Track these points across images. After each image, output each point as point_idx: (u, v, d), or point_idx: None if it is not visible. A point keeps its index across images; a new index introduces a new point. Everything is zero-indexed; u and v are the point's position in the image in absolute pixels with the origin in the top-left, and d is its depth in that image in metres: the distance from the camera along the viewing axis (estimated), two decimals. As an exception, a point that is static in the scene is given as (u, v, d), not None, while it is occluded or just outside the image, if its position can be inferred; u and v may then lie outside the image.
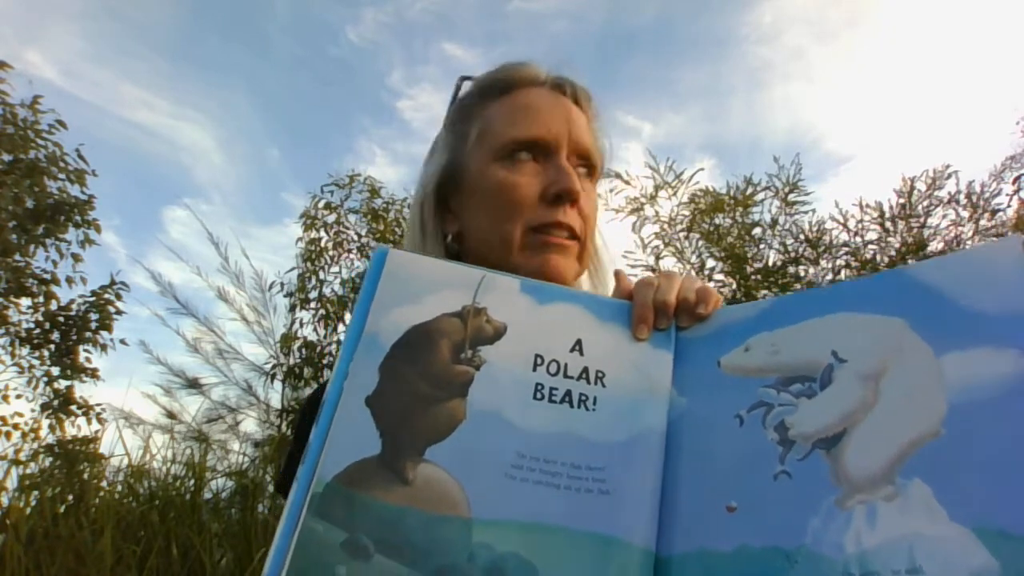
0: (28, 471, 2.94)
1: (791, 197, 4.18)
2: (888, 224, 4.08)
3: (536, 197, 0.65)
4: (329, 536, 0.38)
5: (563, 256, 0.66)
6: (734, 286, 4.25)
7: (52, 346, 5.85)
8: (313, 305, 4.27)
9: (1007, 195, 4.15)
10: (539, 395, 0.45)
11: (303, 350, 4.10)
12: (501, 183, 0.66)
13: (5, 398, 5.72)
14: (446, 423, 0.43)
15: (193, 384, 3.87)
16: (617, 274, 0.58)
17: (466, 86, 0.76)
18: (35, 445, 4.66)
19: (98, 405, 5.70)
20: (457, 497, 0.40)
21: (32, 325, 5.88)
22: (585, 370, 0.46)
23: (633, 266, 4.50)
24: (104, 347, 5.96)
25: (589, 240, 0.70)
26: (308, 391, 3.93)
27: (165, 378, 3.87)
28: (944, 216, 4.07)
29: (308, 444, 0.41)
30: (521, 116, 0.68)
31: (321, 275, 4.37)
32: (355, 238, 4.45)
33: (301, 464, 0.41)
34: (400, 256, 0.48)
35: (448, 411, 0.43)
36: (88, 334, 5.88)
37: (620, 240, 4.62)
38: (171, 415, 3.77)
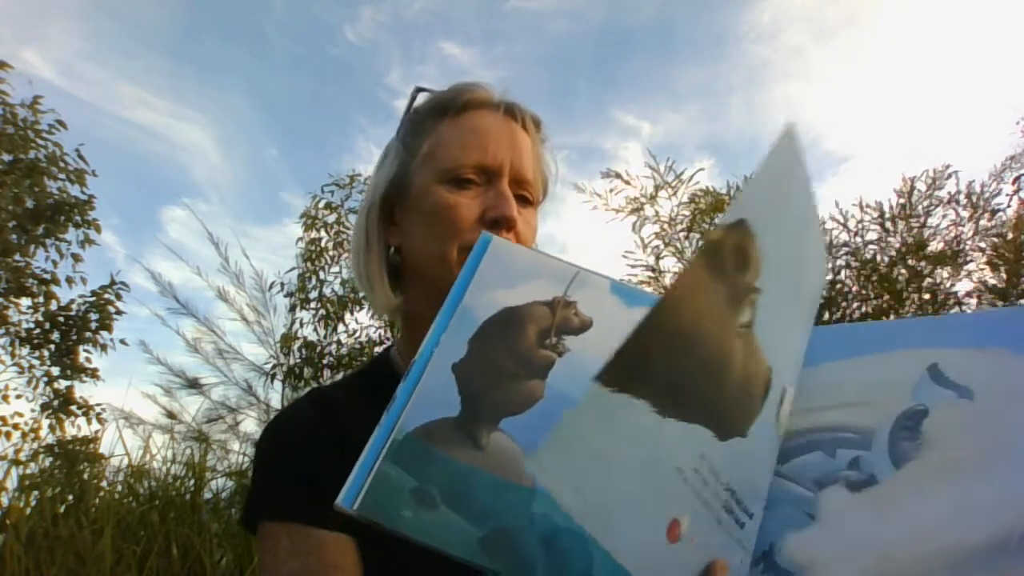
0: (28, 471, 2.94)
1: (791, 197, 4.18)
2: (888, 224, 4.08)
3: (474, 220, 0.68)
4: (401, 481, 0.41)
5: None
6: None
7: (52, 346, 5.85)
8: (313, 305, 4.27)
9: (1007, 195, 4.15)
10: None
11: (303, 350, 4.10)
12: (442, 203, 0.68)
13: (5, 398, 5.73)
14: (524, 400, 0.45)
15: (193, 384, 3.87)
16: None
17: (421, 98, 0.77)
18: (35, 445, 4.66)
19: (98, 405, 5.71)
20: (523, 468, 0.42)
21: (32, 325, 5.88)
22: None
23: (633, 266, 4.50)
24: (104, 347, 5.96)
25: None
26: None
27: (165, 378, 3.87)
28: (944, 216, 4.07)
29: (394, 398, 0.45)
30: (469, 139, 0.70)
31: (321, 275, 4.37)
32: (355, 238, 4.44)
33: (385, 413, 0.44)
34: (503, 243, 0.52)
35: (528, 389, 0.46)
36: (88, 334, 5.88)
37: (620, 240, 4.62)
38: (171, 415, 3.77)
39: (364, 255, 0.74)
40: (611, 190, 4.34)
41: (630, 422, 0.35)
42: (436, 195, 0.69)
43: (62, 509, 2.48)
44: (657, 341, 0.35)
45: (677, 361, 0.36)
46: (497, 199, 0.69)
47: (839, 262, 4.15)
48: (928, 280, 4.02)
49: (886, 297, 3.99)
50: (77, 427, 5.50)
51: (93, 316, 5.89)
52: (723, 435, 0.39)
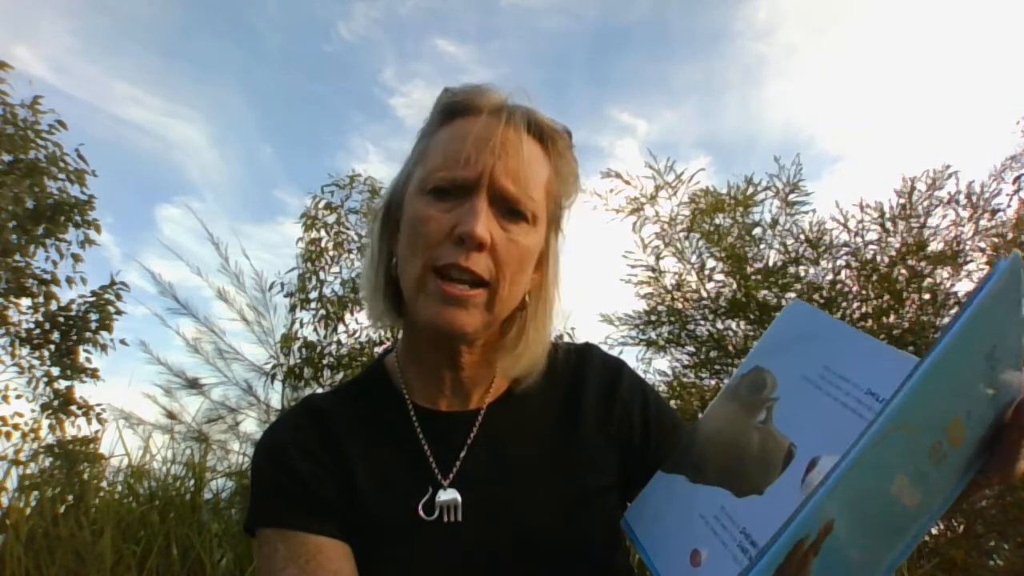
0: (28, 471, 2.94)
1: (791, 197, 4.18)
2: (888, 224, 4.08)
3: (444, 235, 0.63)
4: None
5: (462, 309, 0.63)
6: (734, 286, 4.25)
7: (52, 346, 5.86)
8: (313, 305, 4.27)
9: (1007, 195, 4.15)
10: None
11: (303, 350, 4.10)
12: (417, 216, 0.65)
13: (5, 398, 5.73)
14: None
15: (193, 384, 3.87)
16: None
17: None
18: (35, 445, 4.65)
19: (98, 405, 5.72)
20: None
21: (32, 325, 5.89)
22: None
23: (633, 266, 4.50)
24: (104, 347, 5.97)
25: (504, 286, 0.65)
26: (308, 391, 3.92)
27: (165, 378, 3.86)
28: (944, 216, 4.07)
29: None
30: (452, 147, 0.65)
31: (321, 275, 4.37)
32: (355, 238, 4.45)
33: None
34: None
35: None
36: (88, 334, 5.88)
37: (620, 240, 4.62)
38: (171, 415, 3.77)
39: (368, 262, 0.72)
40: (611, 190, 4.35)
41: (674, 487, 0.58)
42: (413, 206, 0.66)
43: (62, 509, 2.48)
44: (694, 441, 0.60)
45: (705, 451, 0.58)
46: (465, 215, 0.62)
47: (839, 262, 4.15)
48: (928, 280, 4.02)
49: (886, 297, 3.99)
50: (77, 427, 5.50)
51: (93, 316, 5.89)
52: (740, 493, 0.52)
